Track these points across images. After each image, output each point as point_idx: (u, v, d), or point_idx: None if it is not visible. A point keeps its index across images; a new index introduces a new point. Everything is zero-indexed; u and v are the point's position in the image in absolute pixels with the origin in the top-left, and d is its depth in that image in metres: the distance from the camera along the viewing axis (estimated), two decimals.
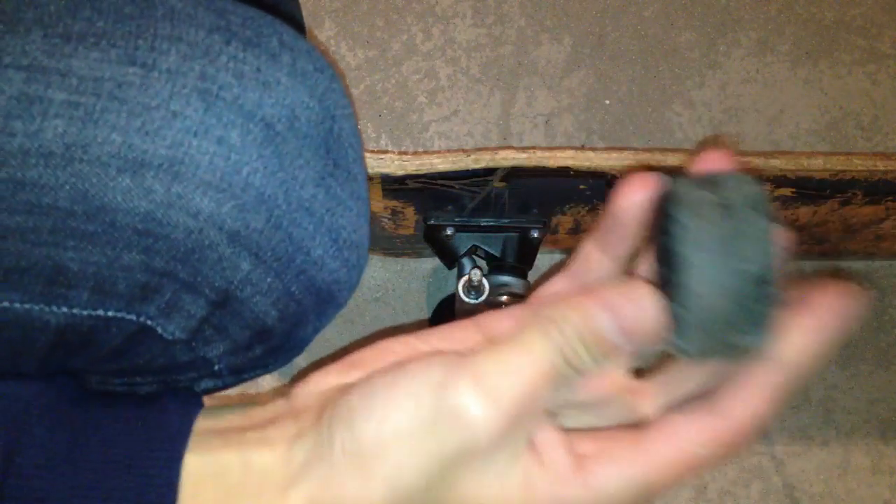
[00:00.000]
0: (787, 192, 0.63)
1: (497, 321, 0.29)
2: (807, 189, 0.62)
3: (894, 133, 0.92)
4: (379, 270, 0.83)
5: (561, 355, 0.25)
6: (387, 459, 0.24)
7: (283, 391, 0.30)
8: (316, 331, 0.36)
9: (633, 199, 0.27)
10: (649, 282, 0.25)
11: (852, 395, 0.81)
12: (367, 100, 0.91)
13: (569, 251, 0.82)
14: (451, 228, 0.66)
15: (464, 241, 0.67)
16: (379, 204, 0.64)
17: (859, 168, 0.60)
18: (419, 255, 0.82)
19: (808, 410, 0.80)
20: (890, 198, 0.65)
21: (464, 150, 0.60)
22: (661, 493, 0.26)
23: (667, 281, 0.24)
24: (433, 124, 0.90)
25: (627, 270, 0.30)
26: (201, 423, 0.28)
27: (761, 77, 0.94)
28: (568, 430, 0.27)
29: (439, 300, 0.81)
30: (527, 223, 0.66)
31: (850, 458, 0.78)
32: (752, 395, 0.26)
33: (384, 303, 0.82)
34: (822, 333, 0.26)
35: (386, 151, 0.59)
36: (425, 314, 0.82)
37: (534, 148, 0.60)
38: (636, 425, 0.27)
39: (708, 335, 0.23)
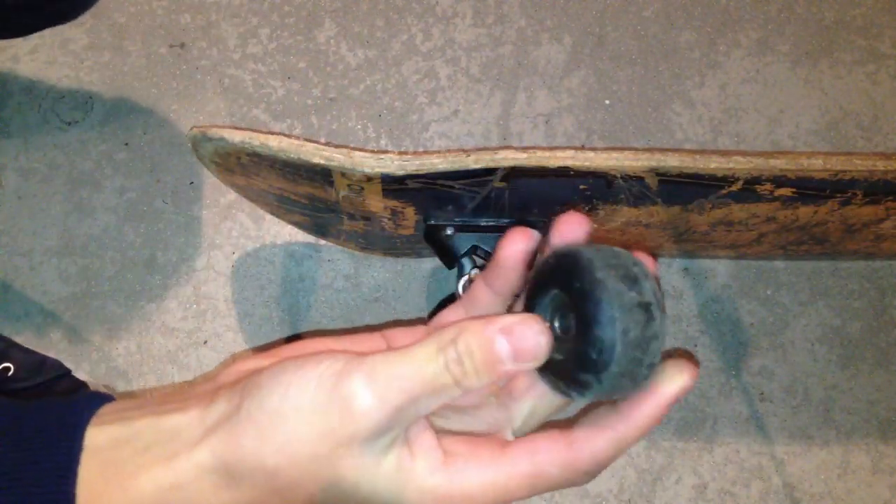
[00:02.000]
0: (787, 192, 0.63)
1: (401, 335, 0.35)
2: (807, 189, 0.62)
3: (894, 133, 0.92)
4: (379, 270, 0.83)
5: (447, 370, 0.28)
6: (282, 428, 0.27)
7: (209, 375, 0.32)
8: None
9: (516, 248, 0.32)
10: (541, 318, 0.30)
11: (852, 395, 0.81)
12: (367, 100, 0.91)
13: None
14: (451, 228, 0.66)
15: (464, 241, 0.66)
16: (379, 204, 0.64)
17: (859, 168, 0.60)
18: (419, 255, 0.82)
19: (808, 410, 0.80)
20: (890, 198, 0.65)
21: (464, 150, 0.60)
22: (515, 500, 0.30)
23: (582, 335, 0.29)
24: (433, 124, 0.90)
25: (509, 307, 0.35)
26: (119, 404, 0.31)
27: (761, 77, 0.94)
28: (443, 431, 0.31)
29: (439, 300, 0.81)
30: (527, 223, 0.66)
31: (850, 458, 0.78)
32: (600, 440, 0.30)
33: (384, 303, 0.82)
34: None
35: (386, 151, 0.59)
36: (425, 314, 0.82)
37: (534, 148, 0.60)
38: (502, 438, 0.32)
39: (608, 392, 0.29)
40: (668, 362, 0.30)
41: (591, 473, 0.30)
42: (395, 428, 0.28)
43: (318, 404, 0.28)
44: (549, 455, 0.30)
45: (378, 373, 0.28)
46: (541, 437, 0.30)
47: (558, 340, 0.30)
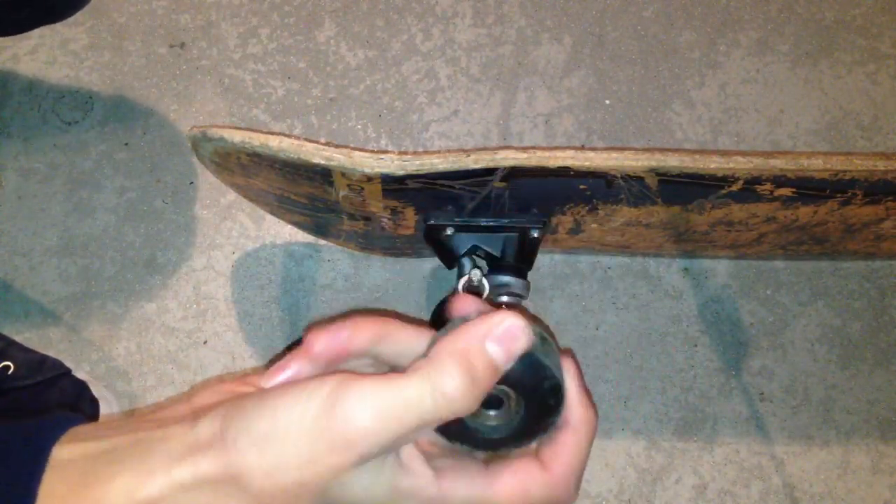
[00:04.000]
0: (787, 192, 0.63)
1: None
2: (807, 189, 0.62)
3: (894, 133, 0.92)
4: (379, 270, 0.83)
5: (435, 407, 0.28)
6: (270, 451, 0.27)
7: (175, 399, 0.32)
8: None
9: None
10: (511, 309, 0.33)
11: (852, 395, 0.81)
12: (367, 100, 0.91)
13: (569, 251, 0.82)
14: (451, 228, 0.66)
15: (464, 241, 0.66)
16: (379, 204, 0.64)
17: (859, 168, 0.60)
18: (419, 255, 0.82)
19: (808, 410, 0.80)
20: (890, 198, 0.65)
21: (464, 150, 0.60)
22: None
23: (534, 395, 0.32)
24: (433, 124, 0.90)
25: None
26: (92, 425, 0.30)
27: (761, 77, 0.94)
28: (426, 445, 0.33)
29: (439, 300, 0.81)
30: (527, 223, 0.66)
31: (850, 458, 0.78)
32: (565, 453, 0.32)
33: (384, 303, 0.82)
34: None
35: (386, 151, 0.59)
36: (425, 314, 0.82)
37: (534, 148, 0.60)
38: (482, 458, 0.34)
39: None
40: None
41: (575, 485, 0.32)
42: (385, 454, 0.29)
43: (308, 430, 0.28)
44: (531, 476, 0.32)
45: (371, 401, 0.28)
46: (518, 460, 0.32)
47: (492, 419, 0.33)
